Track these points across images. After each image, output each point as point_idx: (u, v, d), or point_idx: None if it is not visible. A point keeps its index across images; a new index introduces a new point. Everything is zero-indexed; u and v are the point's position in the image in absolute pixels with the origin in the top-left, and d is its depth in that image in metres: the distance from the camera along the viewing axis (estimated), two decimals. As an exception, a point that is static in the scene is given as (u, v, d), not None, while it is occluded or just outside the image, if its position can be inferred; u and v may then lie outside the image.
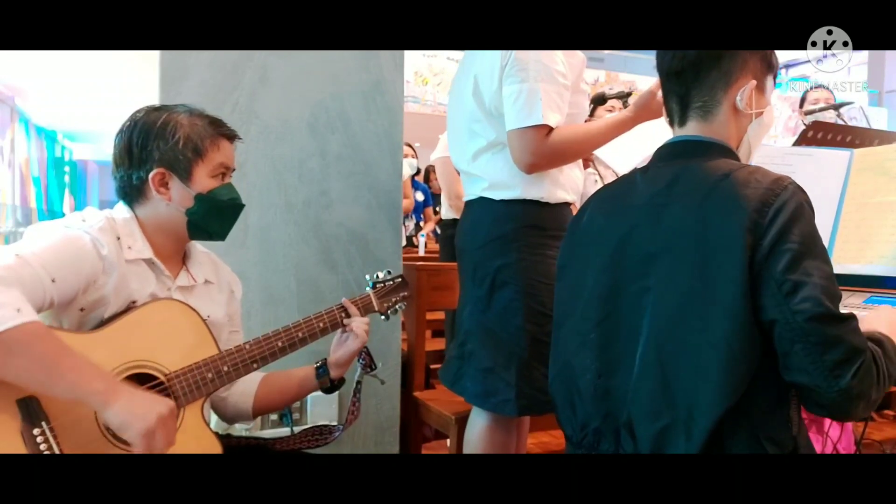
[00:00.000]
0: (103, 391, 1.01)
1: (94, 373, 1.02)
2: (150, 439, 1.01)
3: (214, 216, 1.25)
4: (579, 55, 1.65)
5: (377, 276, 1.44)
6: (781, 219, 0.96)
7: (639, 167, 1.18)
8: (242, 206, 1.30)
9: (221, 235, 1.30)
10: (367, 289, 1.42)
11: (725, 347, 0.96)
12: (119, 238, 1.17)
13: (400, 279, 1.46)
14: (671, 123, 1.19)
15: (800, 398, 1.00)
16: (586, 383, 1.11)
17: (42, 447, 1.01)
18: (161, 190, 1.20)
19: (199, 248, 1.35)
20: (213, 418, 1.64)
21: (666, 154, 1.16)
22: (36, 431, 1.01)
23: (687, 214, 1.03)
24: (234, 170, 1.29)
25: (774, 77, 1.18)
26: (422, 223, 5.21)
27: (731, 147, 1.13)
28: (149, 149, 1.19)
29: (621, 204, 1.15)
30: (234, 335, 1.40)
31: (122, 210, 1.23)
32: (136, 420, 1.01)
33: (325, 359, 1.38)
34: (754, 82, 1.12)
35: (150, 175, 1.19)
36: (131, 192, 1.22)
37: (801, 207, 0.98)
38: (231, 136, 1.27)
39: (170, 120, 1.21)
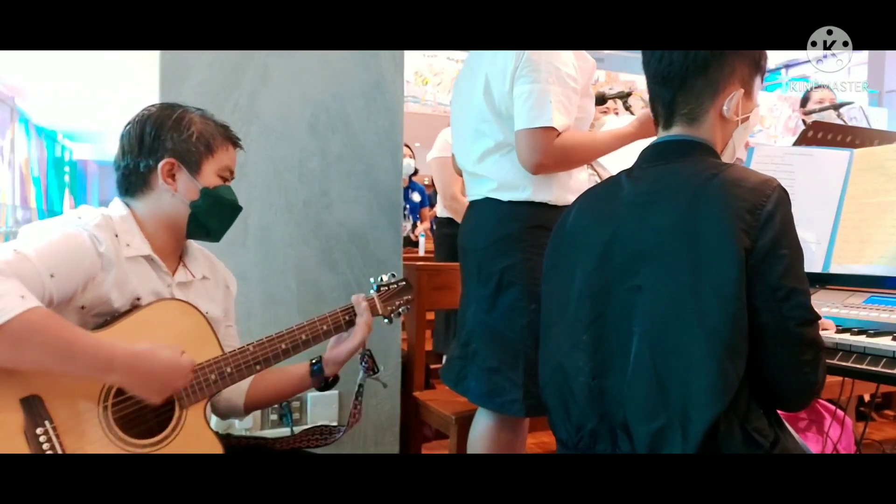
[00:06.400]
0: (118, 374, 1.06)
1: (106, 354, 1.04)
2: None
3: (216, 213, 1.26)
4: (590, 60, 1.64)
5: (381, 280, 1.44)
6: (775, 223, 0.98)
7: (624, 169, 1.19)
8: (240, 209, 1.32)
9: (218, 235, 1.31)
10: (372, 292, 1.41)
11: (720, 345, 0.96)
12: (117, 235, 1.16)
13: (404, 283, 1.45)
14: (656, 125, 1.19)
15: (762, 392, 1.02)
16: (580, 385, 1.11)
17: (45, 447, 1.01)
18: (168, 180, 1.22)
19: (195, 244, 1.36)
20: (214, 418, 1.64)
21: (650, 155, 1.16)
22: (39, 431, 1.01)
23: (674, 213, 1.04)
24: (233, 176, 1.32)
25: (763, 75, 1.17)
26: (418, 223, 5.21)
27: (716, 149, 1.13)
28: (162, 138, 1.21)
29: (607, 205, 1.15)
30: (228, 330, 1.41)
31: (118, 207, 1.22)
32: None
33: (321, 356, 1.37)
34: (742, 91, 1.11)
35: (160, 164, 1.21)
36: (135, 183, 1.23)
37: (789, 213, 1.01)
38: (237, 143, 1.32)
39: (184, 116, 1.25)
